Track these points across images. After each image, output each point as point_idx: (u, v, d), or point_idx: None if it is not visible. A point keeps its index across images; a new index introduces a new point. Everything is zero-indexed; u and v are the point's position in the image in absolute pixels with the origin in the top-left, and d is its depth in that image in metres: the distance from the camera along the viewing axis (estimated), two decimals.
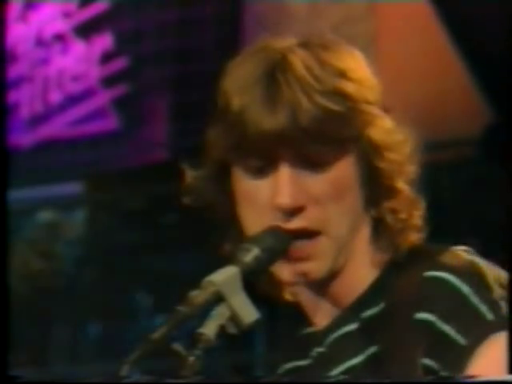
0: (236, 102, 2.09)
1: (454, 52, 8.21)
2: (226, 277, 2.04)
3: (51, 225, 8.46)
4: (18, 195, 7.01)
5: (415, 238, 2.21)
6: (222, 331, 2.01)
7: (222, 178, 2.18)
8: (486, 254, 2.65)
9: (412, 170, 2.20)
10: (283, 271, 2.15)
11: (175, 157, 7.05)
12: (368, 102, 2.16)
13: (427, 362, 2.19)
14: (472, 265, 2.25)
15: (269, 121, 2.07)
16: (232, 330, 2.03)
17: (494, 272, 2.31)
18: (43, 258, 8.63)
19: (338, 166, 2.16)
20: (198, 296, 1.99)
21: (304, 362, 2.36)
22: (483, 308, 2.21)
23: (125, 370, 1.98)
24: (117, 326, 9.04)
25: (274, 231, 2.10)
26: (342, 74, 2.14)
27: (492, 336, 2.20)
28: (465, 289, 2.21)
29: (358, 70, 2.19)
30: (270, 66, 2.12)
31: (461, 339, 2.15)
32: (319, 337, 2.30)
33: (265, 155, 2.12)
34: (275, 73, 2.12)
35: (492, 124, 7.80)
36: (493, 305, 2.22)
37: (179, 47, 7.93)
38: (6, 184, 4.54)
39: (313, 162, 2.13)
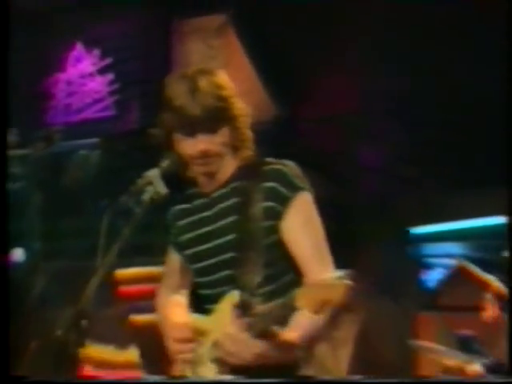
0: (174, 102, 3.77)
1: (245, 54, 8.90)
2: (153, 173, 3.75)
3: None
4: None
5: (249, 153, 3.96)
6: (153, 197, 3.72)
7: (169, 135, 3.83)
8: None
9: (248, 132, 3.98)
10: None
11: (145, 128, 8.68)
12: (231, 98, 3.87)
13: (269, 203, 3.79)
14: (286, 164, 3.92)
15: (189, 110, 3.75)
16: (154, 196, 3.71)
17: (295, 171, 3.94)
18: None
19: (221, 130, 3.81)
20: (138, 183, 3.72)
21: (189, 205, 4.08)
22: (296, 180, 3.87)
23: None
24: None
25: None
26: (219, 86, 3.84)
27: (300, 192, 3.83)
28: (287, 173, 3.87)
29: (226, 83, 3.90)
30: (188, 83, 3.82)
31: (287, 193, 3.82)
32: (204, 194, 3.99)
33: (187, 126, 3.77)
34: (191, 86, 3.79)
35: (277, 118, 8.24)
36: (300, 178, 3.89)
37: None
38: (5, 183, 4.58)
39: (208, 129, 3.77)
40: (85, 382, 5.14)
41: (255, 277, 3.80)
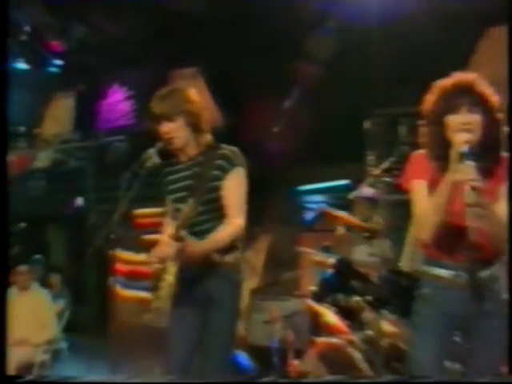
0: (151, 105, 4.19)
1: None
2: (151, 150, 4.20)
3: None
4: None
5: (209, 138, 4.32)
6: (151, 165, 4.12)
7: (154, 127, 4.21)
8: None
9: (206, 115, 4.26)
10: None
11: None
12: (190, 101, 4.22)
13: (217, 172, 4.14)
14: (232, 149, 4.26)
15: (157, 111, 4.20)
16: (152, 164, 4.12)
17: (236, 154, 4.25)
18: None
19: (177, 120, 4.18)
20: (142, 157, 4.15)
21: (173, 169, 4.32)
22: (235, 160, 4.25)
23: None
24: None
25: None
26: (183, 96, 4.20)
27: (237, 167, 4.21)
28: (230, 154, 4.27)
29: (190, 94, 4.23)
30: (160, 94, 4.22)
31: (229, 167, 4.20)
32: (181, 163, 4.33)
33: (156, 118, 4.18)
34: (161, 95, 4.22)
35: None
36: (238, 159, 4.21)
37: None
38: (5, 183, 4.54)
39: (168, 119, 4.17)
40: (85, 382, 4.15)
41: (196, 211, 4.10)
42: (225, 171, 4.22)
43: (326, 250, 6.23)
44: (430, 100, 3.75)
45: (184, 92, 4.27)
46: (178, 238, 4.00)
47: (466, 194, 3.43)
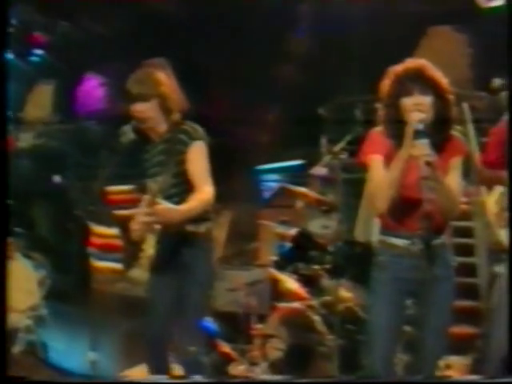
0: (126, 86, 4.19)
1: None
2: (127, 127, 4.23)
3: None
4: None
5: (178, 117, 4.29)
6: (126, 141, 4.16)
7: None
8: None
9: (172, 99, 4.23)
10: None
11: None
12: (161, 84, 4.21)
13: (181, 146, 4.13)
14: (194, 126, 4.24)
15: (133, 92, 4.20)
16: (127, 140, 4.19)
17: (197, 129, 4.23)
18: None
19: (150, 101, 4.19)
20: (118, 133, 4.19)
21: (147, 147, 4.40)
22: (197, 134, 4.23)
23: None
24: None
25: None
26: (154, 78, 4.19)
27: (198, 141, 4.20)
28: (192, 131, 4.23)
29: (160, 78, 4.23)
30: (134, 76, 4.23)
31: (190, 141, 4.20)
32: (152, 141, 4.35)
33: (131, 99, 4.18)
34: (135, 78, 4.23)
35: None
36: (200, 134, 4.22)
37: None
38: (6, 183, 4.48)
39: (143, 100, 4.18)
40: (86, 382, 4.47)
41: (168, 184, 4.11)
42: (186, 145, 4.21)
43: (284, 223, 6.20)
44: (385, 84, 3.77)
45: (158, 76, 4.25)
46: (153, 206, 3.99)
47: (421, 168, 3.45)
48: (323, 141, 7.80)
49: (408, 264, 3.63)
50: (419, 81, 3.65)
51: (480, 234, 6.39)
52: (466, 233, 6.53)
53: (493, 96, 6.90)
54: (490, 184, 4.32)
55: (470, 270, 6.26)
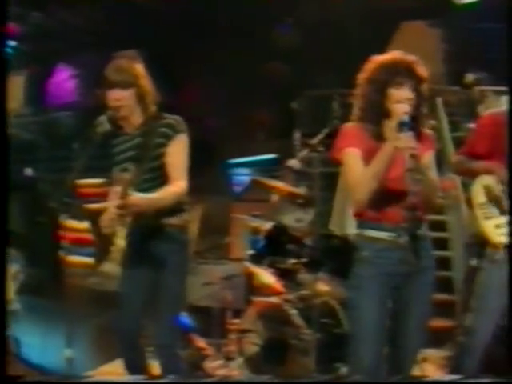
0: (105, 74, 4.08)
1: None
2: (102, 117, 4.10)
3: None
4: None
5: (154, 110, 4.20)
6: (101, 131, 4.04)
7: (105, 95, 4.09)
8: None
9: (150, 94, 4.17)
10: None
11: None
12: (139, 75, 4.13)
13: (161, 140, 4.07)
14: (175, 118, 4.15)
15: (113, 79, 4.10)
16: (102, 131, 4.06)
17: (179, 122, 4.13)
18: None
19: (129, 90, 4.09)
20: (94, 123, 4.06)
21: (119, 140, 4.23)
22: (178, 127, 4.13)
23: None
24: None
25: None
26: (132, 68, 4.10)
27: (180, 133, 4.11)
28: (174, 123, 4.13)
29: (138, 68, 4.13)
30: (114, 65, 4.10)
31: (172, 134, 4.10)
32: (125, 133, 4.23)
33: (109, 85, 4.07)
34: (114, 67, 4.10)
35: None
36: (181, 126, 4.12)
37: None
38: (6, 183, 4.37)
39: (121, 88, 4.08)
40: (85, 382, 4.37)
41: (139, 178, 4.02)
42: (169, 138, 4.13)
43: (257, 217, 6.07)
44: (370, 70, 3.71)
45: (138, 68, 4.18)
46: (124, 198, 3.89)
47: (405, 161, 3.43)
48: (296, 134, 7.75)
49: (395, 257, 3.60)
50: (411, 76, 3.63)
51: (454, 227, 6.40)
52: (440, 227, 6.50)
53: (466, 90, 7.29)
54: (472, 174, 4.24)
55: (443, 264, 6.26)
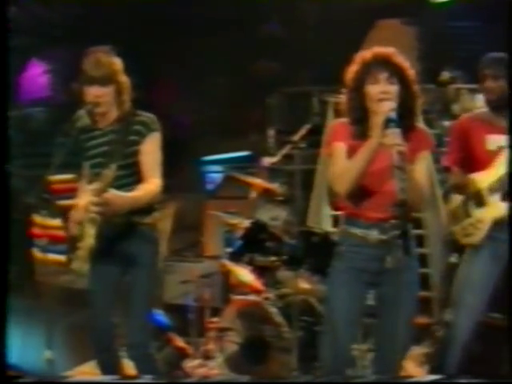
0: (84, 68, 3.96)
1: None
2: (81, 111, 4.10)
3: None
4: None
5: (128, 106, 4.11)
6: (80, 126, 4.04)
7: (82, 90, 4.03)
8: None
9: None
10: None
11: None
12: (118, 72, 4.04)
13: (135, 137, 4.04)
14: (149, 116, 4.11)
15: (91, 72, 3.98)
16: (81, 125, 4.12)
17: (152, 120, 4.07)
18: None
19: (108, 87, 4.00)
20: (73, 118, 4.10)
21: (92, 135, 4.13)
22: (152, 125, 4.07)
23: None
24: None
25: None
26: (112, 63, 4.00)
27: (154, 132, 4.08)
28: (148, 121, 4.07)
29: (117, 64, 4.04)
30: (93, 59, 3.97)
31: (146, 132, 4.07)
32: (99, 129, 4.15)
33: (89, 81, 3.97)
34: (94, 61, 3.97)
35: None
36: (155, 124, 4.07)
37: None
38: (6, 183, 4.13)
39: (101, 84, 3.99)
40: (85, 382, 4.41)
41: (114, 173, 3.90)
42: (142, 136, 4.07)
43: (232, 214, 6.01)
44: (352, 70, 3.66)
45: (117, 64, 4.09)
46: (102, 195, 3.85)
47: (392, 158, 3.34)
48: (271, 131, 7.70)
49: (366, 253, 3.59)
50: (386, 68, 3.54)
51: (431, 224, 6.34)
52: (416, 223, 6.27)
53: (441, 89, 7.23)
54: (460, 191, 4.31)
55: (420, 261, 6.19)
